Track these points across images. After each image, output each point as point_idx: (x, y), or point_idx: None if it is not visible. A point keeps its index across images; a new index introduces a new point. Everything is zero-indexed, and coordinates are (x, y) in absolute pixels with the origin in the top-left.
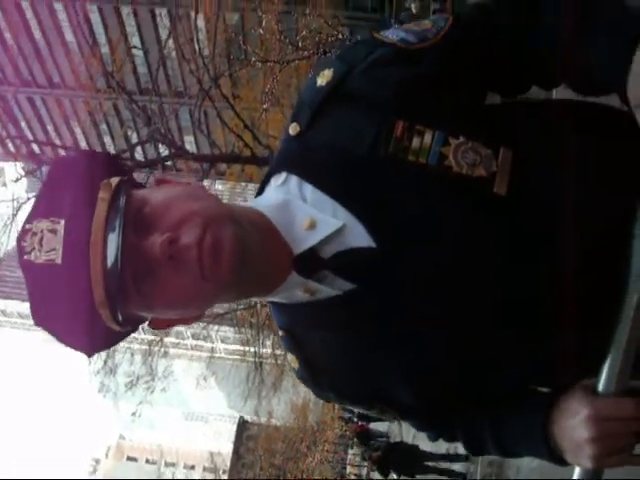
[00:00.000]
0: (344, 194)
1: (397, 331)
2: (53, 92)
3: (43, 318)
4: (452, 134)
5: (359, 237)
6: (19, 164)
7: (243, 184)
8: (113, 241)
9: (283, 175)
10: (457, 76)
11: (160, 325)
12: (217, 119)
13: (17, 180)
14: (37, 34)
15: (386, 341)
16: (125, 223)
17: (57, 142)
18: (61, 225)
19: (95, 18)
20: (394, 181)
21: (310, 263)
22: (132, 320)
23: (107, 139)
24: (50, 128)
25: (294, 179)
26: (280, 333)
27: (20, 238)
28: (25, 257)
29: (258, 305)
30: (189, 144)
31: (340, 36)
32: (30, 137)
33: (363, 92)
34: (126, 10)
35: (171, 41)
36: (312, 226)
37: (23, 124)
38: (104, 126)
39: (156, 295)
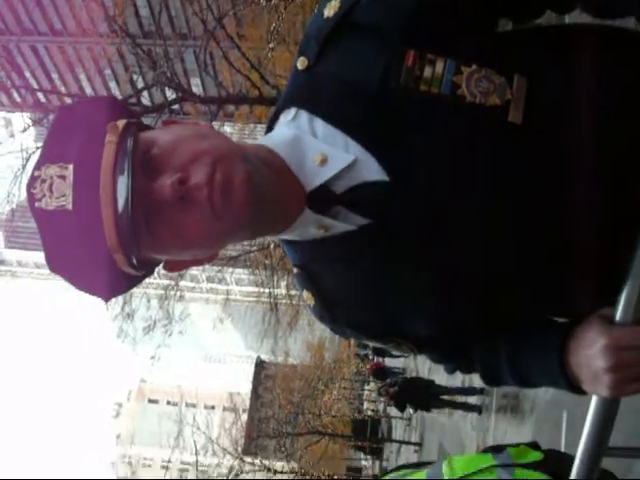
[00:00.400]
0: (356, 127)
1: (415, 262)
2: (55, 39)
3: (58, 265)
4: (464, 62)
5: (372, 171)
6: (26, 114)
7: (252, 125)
8: (123, 184)
9: (293, 111)
10: (468, 1)
11: (174, 267)
12: (223, 60)
13: (25, 130)
14: None
15: (404, 273)
16: (134, 165)
17: (62, 90)
18: (70, 170)
19: None
20: (406, 112)
21: (323, 199)
22: (146, 263)
23: (113, 85)
24: (55, 76)
25: (304, 114)
26: (294, 271)
27: (29, 185)
28: (36, 204)
29: (272, 246)
30: (196, 87)
31: None
32: (35, 86)
33: (372, 22)
34: None
35: None
36: (324, 161)
37: (27, 73)
38: (109, 72)
39: (169, 237)
